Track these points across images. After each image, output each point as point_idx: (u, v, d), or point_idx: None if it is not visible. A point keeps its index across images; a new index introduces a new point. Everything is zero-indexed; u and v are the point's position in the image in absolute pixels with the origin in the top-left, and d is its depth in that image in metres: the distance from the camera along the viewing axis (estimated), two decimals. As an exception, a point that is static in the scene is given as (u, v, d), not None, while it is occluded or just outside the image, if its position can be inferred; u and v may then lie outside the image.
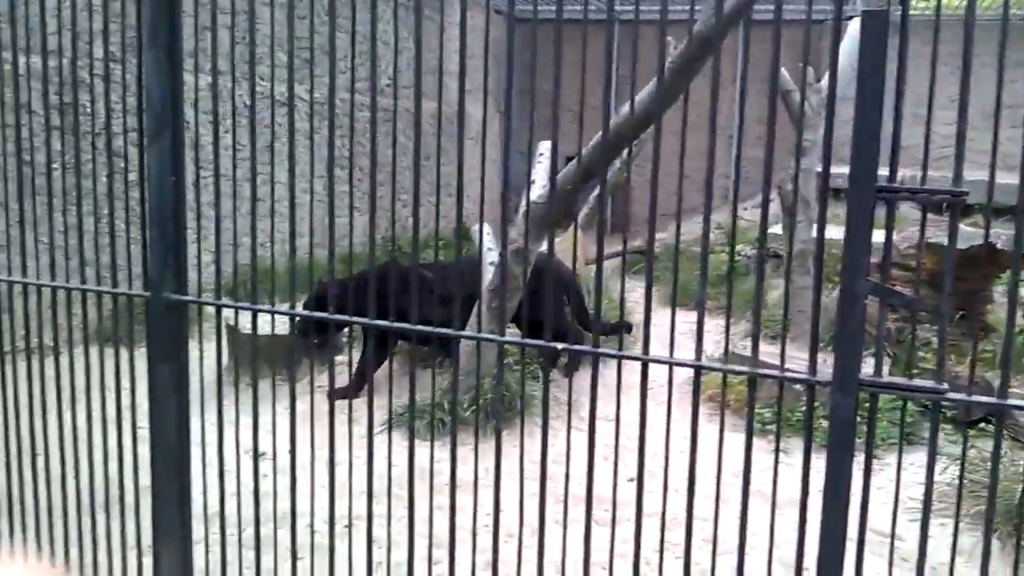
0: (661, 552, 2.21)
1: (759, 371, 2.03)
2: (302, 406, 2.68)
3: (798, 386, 2.09)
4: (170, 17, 2.61)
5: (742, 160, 2.10)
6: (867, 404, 1.96)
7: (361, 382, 4.93)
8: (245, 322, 5.33)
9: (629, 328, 5.36)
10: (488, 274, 4.41)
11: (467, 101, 2.39)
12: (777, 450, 2.09)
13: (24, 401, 2.98)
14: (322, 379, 5.30)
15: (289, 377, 2.68)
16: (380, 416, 4.26)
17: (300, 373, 4.71)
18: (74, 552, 2.90)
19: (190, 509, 2.74)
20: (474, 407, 3.86)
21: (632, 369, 2.17)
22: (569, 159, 4.76)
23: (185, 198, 2.72)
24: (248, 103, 2.88)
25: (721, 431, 2.15)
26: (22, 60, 3.04)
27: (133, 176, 2.89)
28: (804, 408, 2.10)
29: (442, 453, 2.47)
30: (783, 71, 6.28)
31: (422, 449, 2.48)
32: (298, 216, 2.60)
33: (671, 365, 2.12)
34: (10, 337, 3.25)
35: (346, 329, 5.16)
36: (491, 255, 4.55)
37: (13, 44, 2.92)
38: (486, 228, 4.67)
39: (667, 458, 2.18)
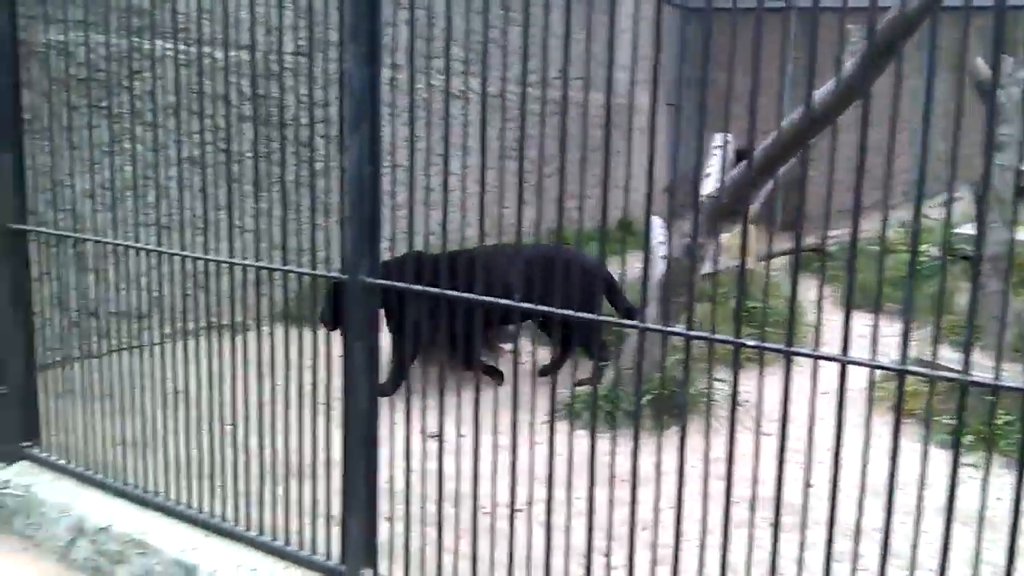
0: (828, 560, 2.16)
1: (971, 378, 1.94)
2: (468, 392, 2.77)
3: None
4: (371, 11, 2.73)
5: (928, 155, 2.02)
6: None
7: (400, 378, 4.82)
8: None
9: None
10: (658, 268, 4.39)
11: (636, 92, 2.38)
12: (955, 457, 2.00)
13: (223, 373, 3.20)
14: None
15: (475, 362, 2.77)
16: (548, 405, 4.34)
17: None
18: (268, 516, 3.10)
19: (377, 482, 2.88)
20: (648, 400, 3.86)
21: (802, 370, 2.12)
22: (741, 153, 4.66)
23: (381, 186, 2.85)
24: (425, 96, 2.98)
25: (895, 437, 2.07)
26: (219, 54, 3.26)
27: (319, 165, 3.05)
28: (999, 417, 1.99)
29: (612, 446, 2.51)
30: (978, 60, 5.91)
31: (597, 441, 2.51)
32: (470, 206, 2.68)
33: (872, 368, 2.06)
34: (208, 313, 3.49)
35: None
36: (661, 249, 4.53)
37: (226, 39, 3.12)
38: (657, 221, 4.64)
39: (864, 467, 2.12)
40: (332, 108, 3.15)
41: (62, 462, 3.71)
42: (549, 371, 4.84)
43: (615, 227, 5.88)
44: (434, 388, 2.84)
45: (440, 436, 2.90)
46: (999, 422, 4.39)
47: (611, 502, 2.45)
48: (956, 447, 1.98)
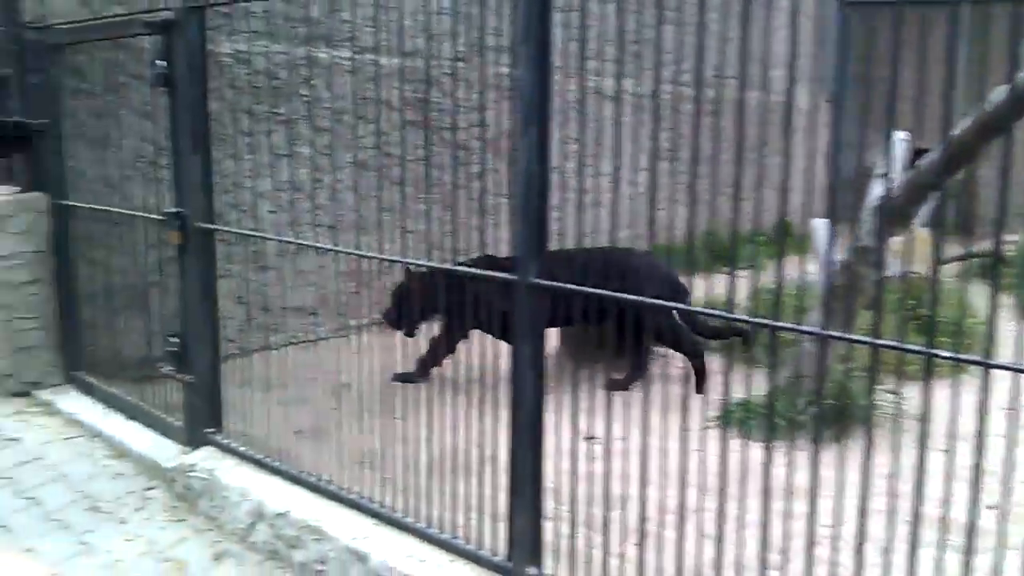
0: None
1: None
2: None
3: None
4: (543, 14, 2.76)
5: None
6: None
7: (430, 365, 4.85)
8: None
9: (742, 334, 4.89)
10: (832, 273, 4.24)
11: (795, 91, 2.31)
12: None
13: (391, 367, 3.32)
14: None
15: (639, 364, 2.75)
16: (713, 414, 4.27)
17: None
18: (436, 510, 3.20)
19: (542, 481, 2.92)
20: (811, 409, 3.74)
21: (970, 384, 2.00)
22: (918, 152, 4.43)
23: (549, 188, 2.88)
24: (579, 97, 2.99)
25: None
26: (384, 60, 3.38)
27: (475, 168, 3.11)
28: None
29: (776, 456, 2.44)
30: None
31: (754, 450, 2.46)
32: (622, 208, 2.67)
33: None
34: (374, 310, 3.63)
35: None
36: (834, 252, 4.36)
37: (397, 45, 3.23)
38: (821, 223, 4.48)
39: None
40: (491, 112, 3.21)
41: (243, 449, 3.95)
42: (620, 386, 4.57)
43: (773, 230, 5.70)
44: (593, 389, 2.84)
45: (598, 438, 2.91)
46: None
47: (786, 515, 2.39)
48: None
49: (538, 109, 2.79)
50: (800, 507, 2.40)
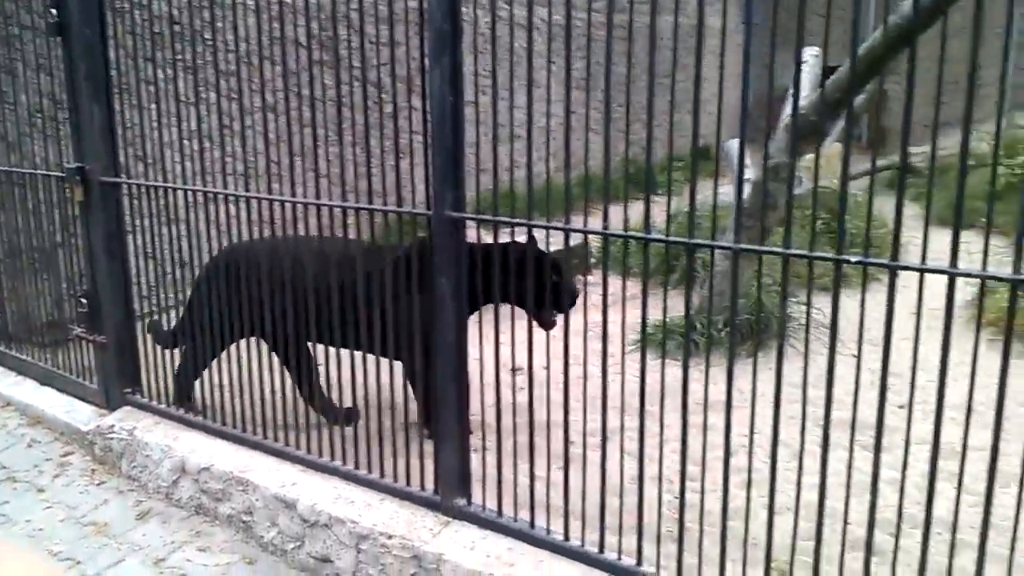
0: (932, 479, 2.09)
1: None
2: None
3: None
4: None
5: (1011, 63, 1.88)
6: None
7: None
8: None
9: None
10: (745, 193, 4.26)
11: (707, 13, 2.28)
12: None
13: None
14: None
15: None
16: (632, 336, 4.30)
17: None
18: (362, 451, 3.16)
19: (467, 414, 2.90)
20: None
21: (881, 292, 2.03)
22: (829, 70, 4.45)
23: (463, 119, 2.81)
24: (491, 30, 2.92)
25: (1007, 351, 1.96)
26: None
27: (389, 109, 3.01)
28: None
29: (695, 373, 2.46)
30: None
31: (674, 369, 2.48)
32: (540, 140, 2.62)
33: (983, 279, 1.95)
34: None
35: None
36: (745, 172, 4.37)
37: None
38: (735, 143, 4.49)
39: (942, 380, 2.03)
40: (403, 50, 3.12)
41: (163, 406, 3.85)
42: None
43: (689, 153, 5.72)
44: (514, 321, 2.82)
45: (521, 369, 2.90)
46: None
47: (704, 428, 2.42)
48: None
49: (449, 38, 2.71)
50: (718, 420, 2.43)
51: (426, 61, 2.77)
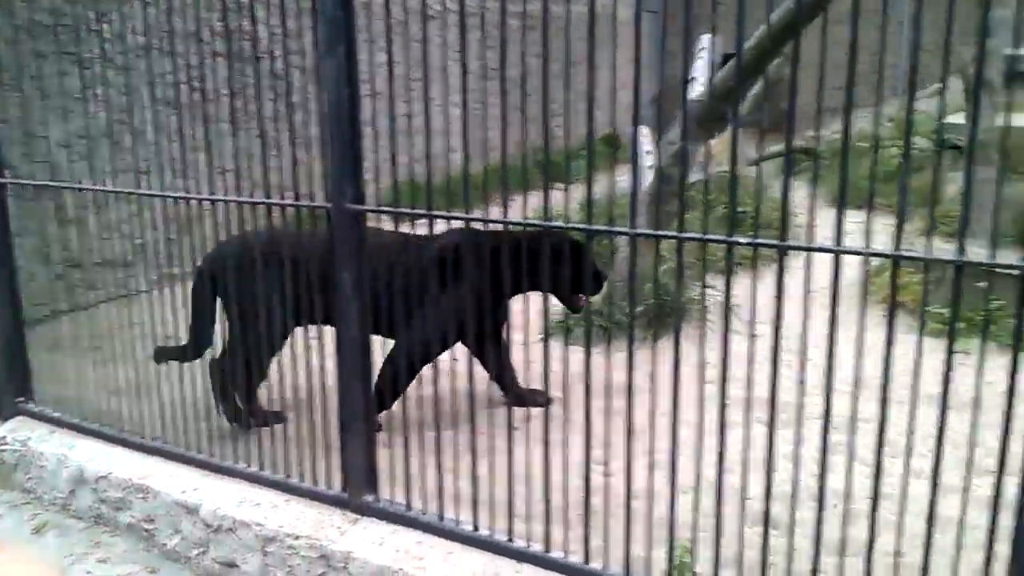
0: (824, 453, 2.15)
1: (964, 260, 1.90)
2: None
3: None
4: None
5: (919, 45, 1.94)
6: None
7: None
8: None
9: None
10: (647, 178, 4.32)
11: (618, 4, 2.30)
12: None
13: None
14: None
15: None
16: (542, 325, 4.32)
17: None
18: (267, 451, 3.09)
19: (373, 410, 2.86)
20: (641, 310, 3.83)
21: (795, 272, 2.08)
22: (727, 56, 4.54)
23: (360, 109, 2.76)
24: (401, 19, 2.88)
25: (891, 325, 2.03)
26: None
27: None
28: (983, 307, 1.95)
29: (603, 360, 2.49)
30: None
31: (578, 355, 2.49)
32: (454, 131, 2.60)
33: (866, 256, 2.01)
34: (194, 257, 3.43)
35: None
36: (649, 159, 4.45)
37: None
38: (643, 131, 4.55)
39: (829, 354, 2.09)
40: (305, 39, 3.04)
41: (57, 415, 3.69)
42: None
43: (601, 142, 5.79)
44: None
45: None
46: (991, 307, 4.34)
47: (608, 412, 2.43)
48: (952, 329, 1.95)
49: (343, 26, 2.66)
50: (622, 403, 2.45)
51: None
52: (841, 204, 2.06)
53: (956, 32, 1.96)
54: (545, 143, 2.46)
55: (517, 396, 3.64)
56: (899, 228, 2.03)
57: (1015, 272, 1.89)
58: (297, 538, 2.77)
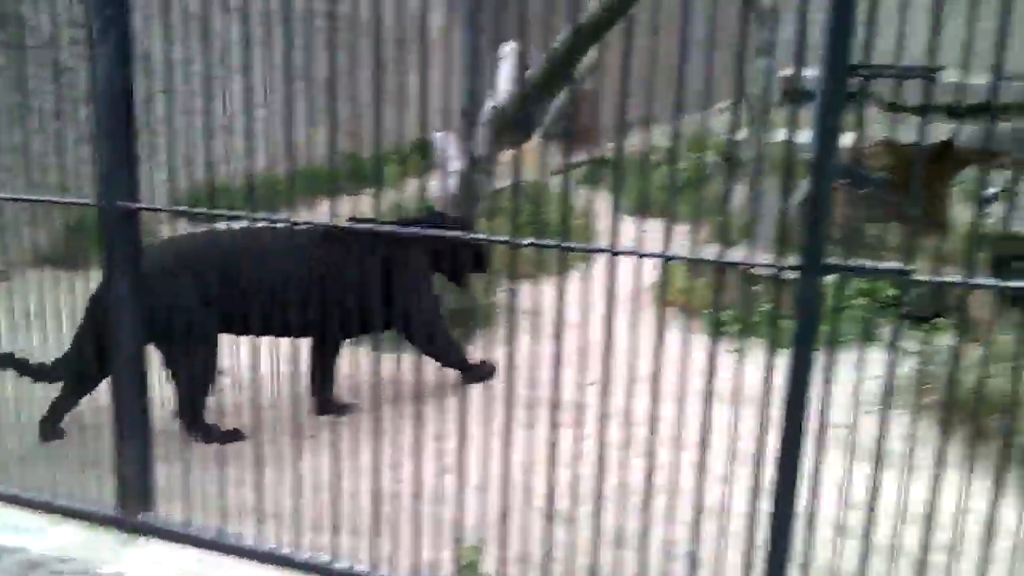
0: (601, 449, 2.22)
1: (726, 260, 2.02)
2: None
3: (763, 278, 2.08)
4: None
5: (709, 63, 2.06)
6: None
7: None
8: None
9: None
10: (451, 184, 4.32)
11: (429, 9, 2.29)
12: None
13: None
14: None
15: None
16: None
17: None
18: (38, 475, 2.86)
19: (150, 425, 2.70)
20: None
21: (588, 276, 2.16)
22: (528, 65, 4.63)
23: (134, 101, 2.60)
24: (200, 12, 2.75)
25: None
26: None
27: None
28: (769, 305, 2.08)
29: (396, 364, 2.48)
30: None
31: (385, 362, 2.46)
32: (257, 130, 2.52)
33: (639, 256, 2.09)
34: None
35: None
36: (453, 164, 4.44)
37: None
38: (448, 137, 4.55)
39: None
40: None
41: None
42: None
43: (412, 148, 5.77)
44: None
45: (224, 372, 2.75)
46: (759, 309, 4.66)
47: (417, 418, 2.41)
48: (716, 327, 2.05)
49: (117, 8, 2.48)
50: (428, 409, 2.43)
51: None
52: (616, 208, 2.14)
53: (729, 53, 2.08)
54: (330, 149, 2.40)
55: (324, 404, 3.54)
56: (668, 231, 2.13)
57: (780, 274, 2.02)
58: (64, 561, 2.57)
